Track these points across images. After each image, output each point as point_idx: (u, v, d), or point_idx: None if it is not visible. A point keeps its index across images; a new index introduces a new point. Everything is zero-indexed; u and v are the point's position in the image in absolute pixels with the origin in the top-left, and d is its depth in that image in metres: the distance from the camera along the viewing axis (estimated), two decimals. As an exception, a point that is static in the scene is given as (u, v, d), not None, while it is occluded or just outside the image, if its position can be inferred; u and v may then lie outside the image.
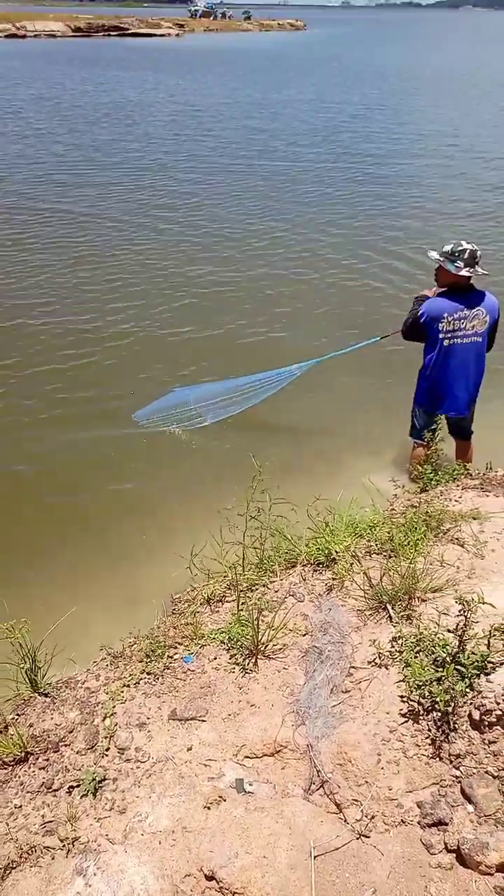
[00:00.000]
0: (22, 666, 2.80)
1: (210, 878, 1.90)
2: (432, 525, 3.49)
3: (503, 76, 29.61)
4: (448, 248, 4.11)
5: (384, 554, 3.36)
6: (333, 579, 3.25)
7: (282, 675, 2.72)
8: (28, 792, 2.45)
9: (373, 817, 2.03)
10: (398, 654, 2.59)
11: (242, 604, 3.14)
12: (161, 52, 47.36)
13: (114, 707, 2.65)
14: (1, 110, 20.56)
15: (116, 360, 6.33)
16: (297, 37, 69.45)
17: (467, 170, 14.02)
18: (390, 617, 2.91)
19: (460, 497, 3.97)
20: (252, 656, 2.81)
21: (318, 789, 2.17)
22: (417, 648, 2.53)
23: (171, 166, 14.02)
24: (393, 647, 2.62)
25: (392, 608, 2.92)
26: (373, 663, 2.63)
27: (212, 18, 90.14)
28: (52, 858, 2.14)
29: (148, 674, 2.82)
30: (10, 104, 21.94)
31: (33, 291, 7.85)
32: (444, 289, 4.21)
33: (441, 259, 4.13)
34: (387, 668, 2.57)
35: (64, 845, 2.18)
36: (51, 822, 2.29)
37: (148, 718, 2.59)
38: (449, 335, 4.12)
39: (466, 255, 4.04)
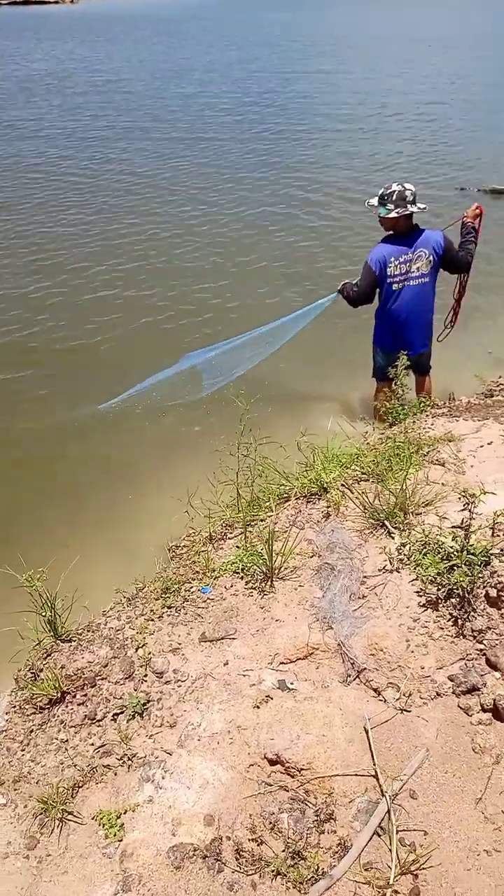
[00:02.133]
0: (43, 614, 2.86)
1: (274, 762, 2.05)
2: (413, 449, 3.70)
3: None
4: (380, 192, 4.19)
5: (372, 480, 3.55)
6: (328, 507, 3.42)
7: (299, 592, 2.88)
8: (71, 727, 2.54)
9: (410, 694, 2.23)
10: (407, 558, 2.79)
11: (245, 538, 3.28)
12: (59, 20, 45.45)
13: (144, 639, 2.76)
14: None
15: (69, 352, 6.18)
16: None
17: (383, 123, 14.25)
18: (389, 532, 3.11)
19: (432, 424, 4.21)
20: (267, 579, 2.96)
21: (354, 679, 2.35)
22: (424, 550, 2.74)
23: (103, 139, 13.57)
24: (401, 552, 2.82)
25: (389, 524, 3.12)
26: (383, 570, 2.82)
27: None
28: (115, 774, 2.26)
29: (169, 607, 2.94)
30: None
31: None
32: (389, 233, 4.30)
33: (374, 205, 4.21)
34: (398, 572, 2.77)
35: (123, 762, 2.30)
36: (104, 745, 2.40)
37: (180, 644, 2.71)
38: (398, 279, 4.23)
39: (395, 196, 4.02)
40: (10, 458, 4.70)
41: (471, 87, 17.96)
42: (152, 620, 2.89)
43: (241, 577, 3.04)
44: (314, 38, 31.41)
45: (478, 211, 4.47)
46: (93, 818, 2.10)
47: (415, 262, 4.18)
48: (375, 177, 10.34)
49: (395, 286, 4.22)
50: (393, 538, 3.04)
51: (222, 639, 2.70)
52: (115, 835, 2.00)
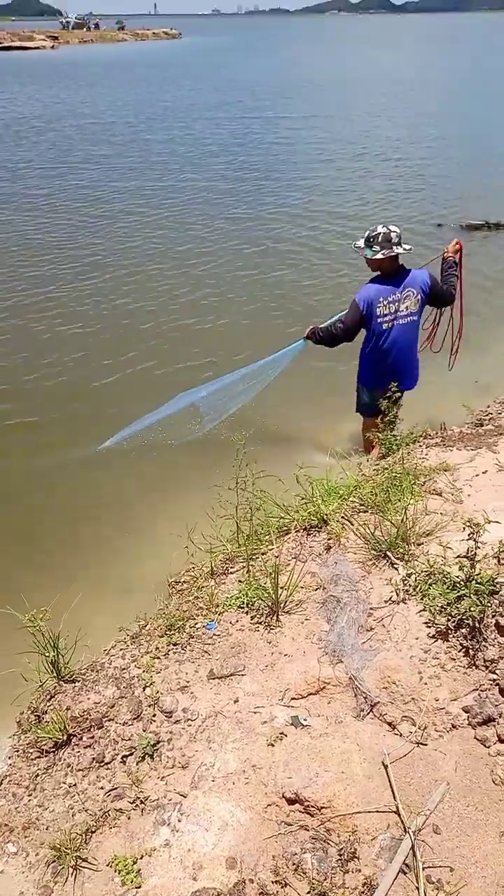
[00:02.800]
0: (46, 655, 2.82)
1: (293, 801, 2.03)
2: (411, 480, 3.74)
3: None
4: (366, 234, 4.21)
5: (371, 511, 3.57)
6: (329, 539, 3.43)
7: (305, 625, 2.87)
8: (79, 770, 2.49)
9: (426, 728, 2.22)
10: (413, 589, 2.80)
11: (248, 572, 3.28)
12: (41, 66, 46.37)
13: (151, 677, 2.73)
14: None
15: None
16: (174, 46, 69.62)
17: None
18: (392, 563, 3.12)
19: (426, 454, 4.25)
20: (273, 614, 2.95)
21: (367, 713, 2.34)
22: (430, 581, 2.75)
23: (91, 183, 13.72)
24: (406, 583, 2.83)
25: (392, 554, 3.14)
26: (389, 601, 2.83)
27: (85, 30, 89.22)
28: (128, 818, 2.21)
29: (174, 644, 2.91)
30: None
31: None
32: (377, 273, 4.36)
33: (361, 247, 4.29)
34: (405, 603, 2.78)
35: (136, 805, 2.25)
36: (115, 789, 2.35)
37: (188, 682, 2.68)
38: (388, 318, 4.21)
39: (381, 238, 4.11)
40: (7, 500, 4.67)
41: (447, 127, 18.59)
42: (158, 658, 2.85)
43: (246, 612, 3.03)
44: (292, 82, 32.38)
45: (458, 246, 4.64)
46: (108, 864, 2.05)
47: (403, 302, 4.25)
48: (361, 220, 10.58)
49: (384, 325, 4.27)
50: (396, 569, 3.05)
51: (231, 675, 2.67)
52: (132, 881, 1.96)
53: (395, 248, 4.18)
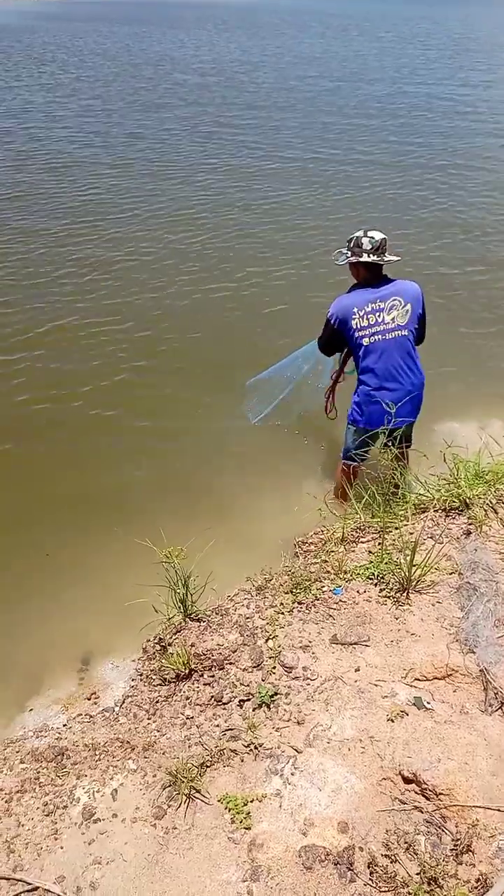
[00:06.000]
0: (177, 591, 2.93)
1: (409, 781, 1.99)
2: None
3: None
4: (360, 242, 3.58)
5: (519, 502, 3.38)
6: (470, 524, 3.29)
7: (436, 608, 2.79)
8: (197, 705, 2.58)
9: None
10: None
11: (380, 544, 3.22)
12: (233, 12, 46.20)
13: (274, 631, 2.77)
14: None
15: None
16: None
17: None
18: (536, 559, 2.95)
19: None
20: (403, 590, 2.88)
21: (497, 710, 2.24)
22: None
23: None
24: (553, 584, 2.67)
25: (538, 551, 2.96)
26: (532, 599, 2.68)
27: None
28: (242, 761, 2.27)
29: (299, 603, 2.93)
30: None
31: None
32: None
33: (347, 253, 3.60)
34: (549, 604, 2.62)
35: (249, 750, 2.30)
36: (230, 729, 2.42)
37: (310, 642, 2.69)
38: (367, 332, 3.52)
39: (352, 243, 3.58)
40: (165, 456, 4.76)
41: None
42: (282, 614, 2.88)
43: (375, 584, 2.98)
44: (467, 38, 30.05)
45: None
46: (219, 800, 2.12)
47: (388, 312, 3.52)
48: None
49: (365, 341, 3.53)
50: (542, 567, 2.88)
51: (355, 644, 2.65)
52: (242, 821, 2.01)
53: (366, 255, 3.52)
